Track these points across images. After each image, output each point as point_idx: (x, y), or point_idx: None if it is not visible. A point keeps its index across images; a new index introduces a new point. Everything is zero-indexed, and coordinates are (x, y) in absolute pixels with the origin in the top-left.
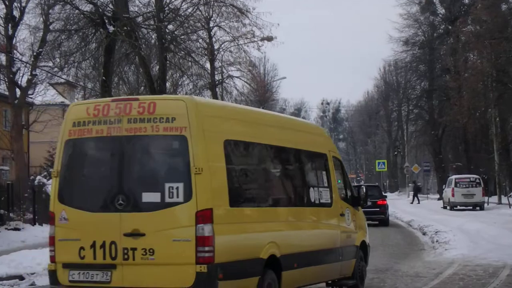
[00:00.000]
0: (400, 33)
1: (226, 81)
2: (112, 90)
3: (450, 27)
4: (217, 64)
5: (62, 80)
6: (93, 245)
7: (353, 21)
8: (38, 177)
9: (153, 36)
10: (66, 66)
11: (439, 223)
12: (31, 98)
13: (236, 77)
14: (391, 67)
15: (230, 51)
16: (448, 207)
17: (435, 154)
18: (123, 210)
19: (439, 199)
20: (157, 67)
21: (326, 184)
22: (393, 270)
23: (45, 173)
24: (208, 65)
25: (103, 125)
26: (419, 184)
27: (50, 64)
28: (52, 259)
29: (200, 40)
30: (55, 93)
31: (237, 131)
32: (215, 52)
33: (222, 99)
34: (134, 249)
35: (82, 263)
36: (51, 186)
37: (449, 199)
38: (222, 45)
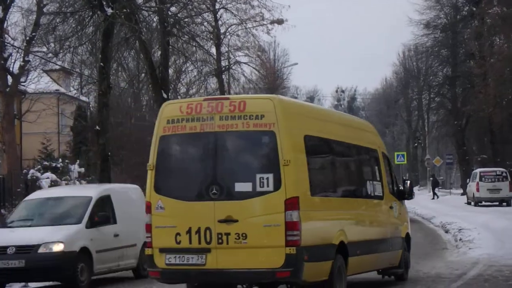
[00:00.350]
0: (420, 15)
1: (233, 67)
2: (110, 77)
3: (474, 8)
4: (224, 49)
5: (57, 67)
6: (188, 231)
7: (371, 2)
8: (32, 171)
9: (154, 19)
10: (61, 51)
11: (463, 220)
12: (23, 86)
13: (244, 63)
14: (411, 52)
15: (238, 35)
16: (472, 203)
17: (458, 146)
18: (217, 199)
19: (462, 194)
20: (159, 52)
21: (378, 178)
22: (414, 270)
23: (39, 166)
24: (213, 50)
25: (196, 122)
26: (441, 178)
27: (44, 49)
28: (149, 244)
29: (205, 23)
30: (50, 81)
31: (314, 127)
32: (221, 36)
33: (229, 86)
34: (227, 234)
35: (178, 248)
36: (147, 178)
37: (473, 194)
38: (229, 29)
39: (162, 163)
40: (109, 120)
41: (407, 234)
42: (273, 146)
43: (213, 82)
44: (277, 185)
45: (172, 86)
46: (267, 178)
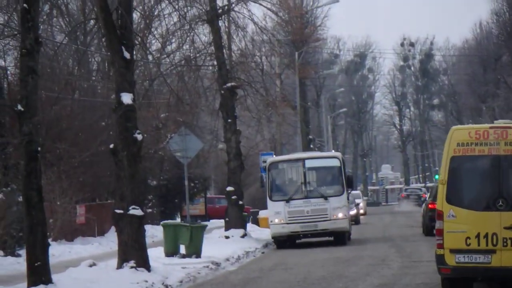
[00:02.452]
0: None
1: (236, 9)
2: (40, 26)
3: None
4: None
5: None
6: (477, 236)
7: None
8: None
9: None
10: None
11: None
12: None
13: (253, 1)
14: None
15: None
16: None
17: None
18: (503, 210)
19: None
20: None
21: None
22: None
23: None
24: None
25: (484, 146)
26: None
27: None
28: (440, 246)
29: None
30: None
31: None
32: None
33: (229, 38)
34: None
35: (467, 249)
36: (438, 191)
37: None
38: None
39: (453, 179)
40: (38, 95)
41: None
42: None
43: (204, 33)
44: None
45: (139, 39)
46: None
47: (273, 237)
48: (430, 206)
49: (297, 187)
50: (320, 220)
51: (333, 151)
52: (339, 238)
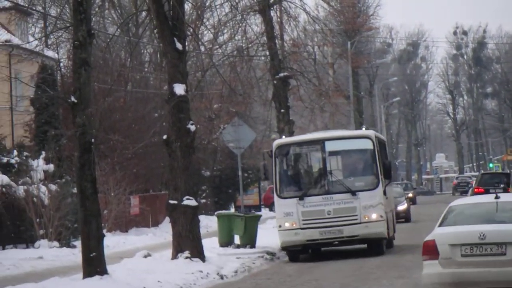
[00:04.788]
0: None
1: None
2: (92, 18)
3: None
4: None
5: (7, 3)
6: None
7: None
8: None
9: None
10: None
11: None
12: None
13: None
14: None
15: None
16: None
17: None
18: None
19: None
20: None
21: None
22: None
23: None
24: None
25: None
26: None
27: None
28: None
29: None
30: None
31: None
32: None
33: (281, 28)
34: None
35: None
36: None
37: None
38: None
39: None
40: (91, 87)
41: None
42: None
43: (256, 23)
44: None
45: (191, 30)
46: None
47: (283, 248)
48: (475, 190)
49: (315, 178)
50: (347, 223)
51: (363, 128)
52: (374, 246)
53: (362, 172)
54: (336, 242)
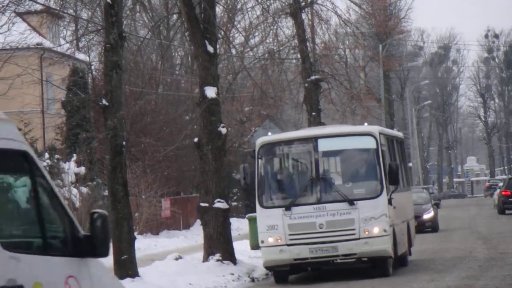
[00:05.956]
0: None
1: (319, 1)
2: (123, 21)
3: None
4: None
5: (39, 7)
6: None
7: None
8: None
9: None
10: None
11: None
12: None
13: None
14: None
15: None
16: None
17: None
18: None
19: None
20: None
21: None
22: None
23: None
24: None
25: None
26: None
27: None
28: None
29: None
30: (27, 29)
31: None
32: None
33: (313, 31)
34: None
35: None
36: None
37: None
38: None
39: None
40: (122, 89)
41: None
42: None
43: (287, 26)
44: None
45: (222, 33)
46: None
47: (266, 268)
48: (503, 193)
49: (305, 184)
50: (342, 239)
51: (366, 124)
52: (377, 265)
53: (362, 176)
54: (330, 262)
